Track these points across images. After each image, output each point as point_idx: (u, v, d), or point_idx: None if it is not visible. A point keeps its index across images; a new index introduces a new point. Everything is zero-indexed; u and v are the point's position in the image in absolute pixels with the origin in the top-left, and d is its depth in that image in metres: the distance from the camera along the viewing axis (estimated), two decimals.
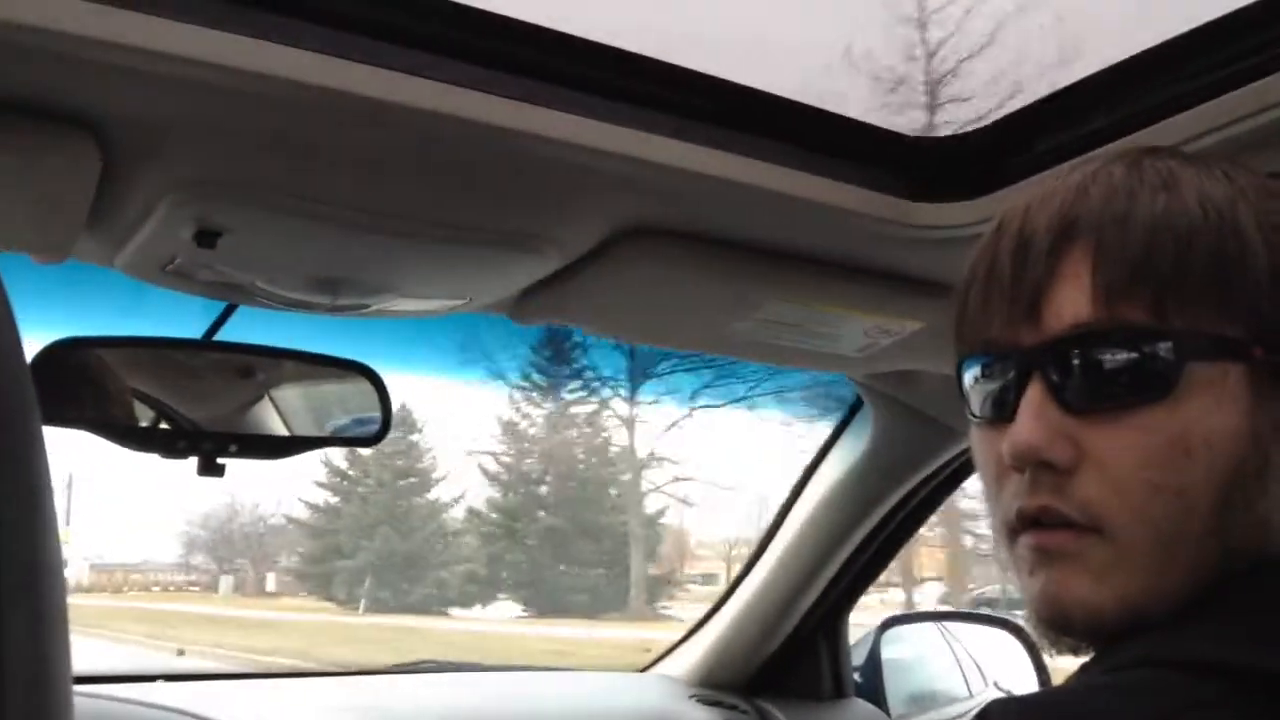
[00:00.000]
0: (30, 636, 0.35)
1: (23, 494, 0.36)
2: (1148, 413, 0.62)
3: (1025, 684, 2.26)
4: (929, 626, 2.46)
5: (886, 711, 2.22)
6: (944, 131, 1.16)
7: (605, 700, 2.11)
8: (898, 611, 2.59)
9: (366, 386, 1.35)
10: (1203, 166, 0.67)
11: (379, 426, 1.35)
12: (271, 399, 1.34)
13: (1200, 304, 0.62)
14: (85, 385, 1.24)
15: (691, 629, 2.32)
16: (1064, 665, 0.71)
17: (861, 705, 2.21)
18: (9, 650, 0.34)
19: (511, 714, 1.96)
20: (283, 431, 1.34)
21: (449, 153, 0.93)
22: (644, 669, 2.38)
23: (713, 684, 2.18)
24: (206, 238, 0.98)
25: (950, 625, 2.46)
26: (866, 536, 1.97)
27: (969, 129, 1.14)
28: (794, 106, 1.07)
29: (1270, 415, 0.62)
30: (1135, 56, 0.99)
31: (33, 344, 1.21)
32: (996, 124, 1.12)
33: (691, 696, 2.14)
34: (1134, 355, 0.62)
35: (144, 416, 1.28)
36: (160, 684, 1.94)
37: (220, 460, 1.27)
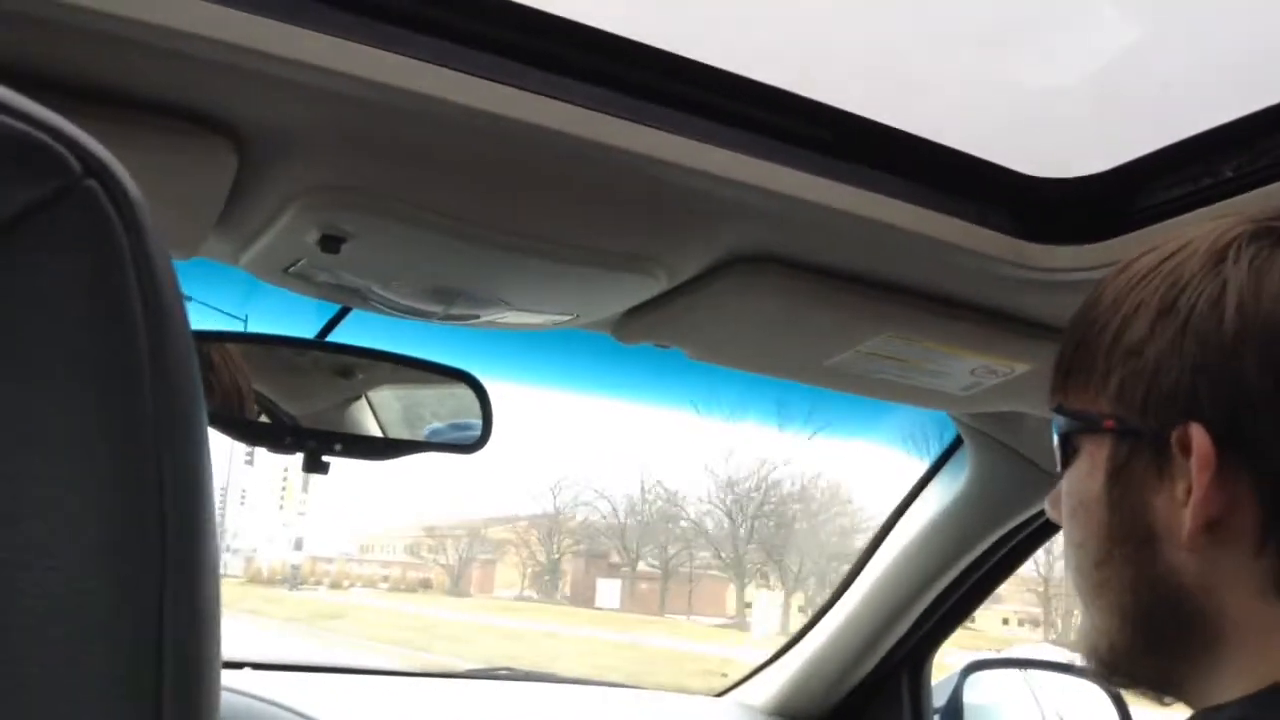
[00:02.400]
0: (189, 635, 0.36)
1: (187, 492, 0.37)
2: (1065, 477, 0.73)
3: None
4: (1013, 674, 2.40)
5: None
6: (1066, 173, 1.14)
7: None
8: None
9: (470, 396, 1.37)
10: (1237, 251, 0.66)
11: (479, 434, 1.37)
12: (377, 402, 1.37)
13: (1083, 387, 0.71)
14: (204, 378, 1.28)
15: (771, 657, 2.30)
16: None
17: None
18: (166, 648, 0.36)
19: None
20: (386, 434, 1.37)
21: (569, 171, 0.95)
22: (720, 694, 2.36)
23: (789, 714, 2.16)
24: (331, 243, 1.01)
25: (1035, 674, 2.40)
26: (958, 576, 1.94)
27: (1091, 172, 1.12)
28: (913, 140, 1.07)
29: (1127, 480, 0.68)
30: (1269, 108, 0.97)
31: None
32: (1119, 169, 1.10)
33: None
34: (1057, 431, 0.73)
35: (254, 411, 1.31)
36: (247, 671, 1.99)
37: (324, 459, 1.30)
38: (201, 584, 0.37)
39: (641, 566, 23.15)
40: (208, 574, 0.37)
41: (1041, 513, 1.81)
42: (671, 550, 22.50)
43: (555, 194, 0.99)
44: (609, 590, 23.07)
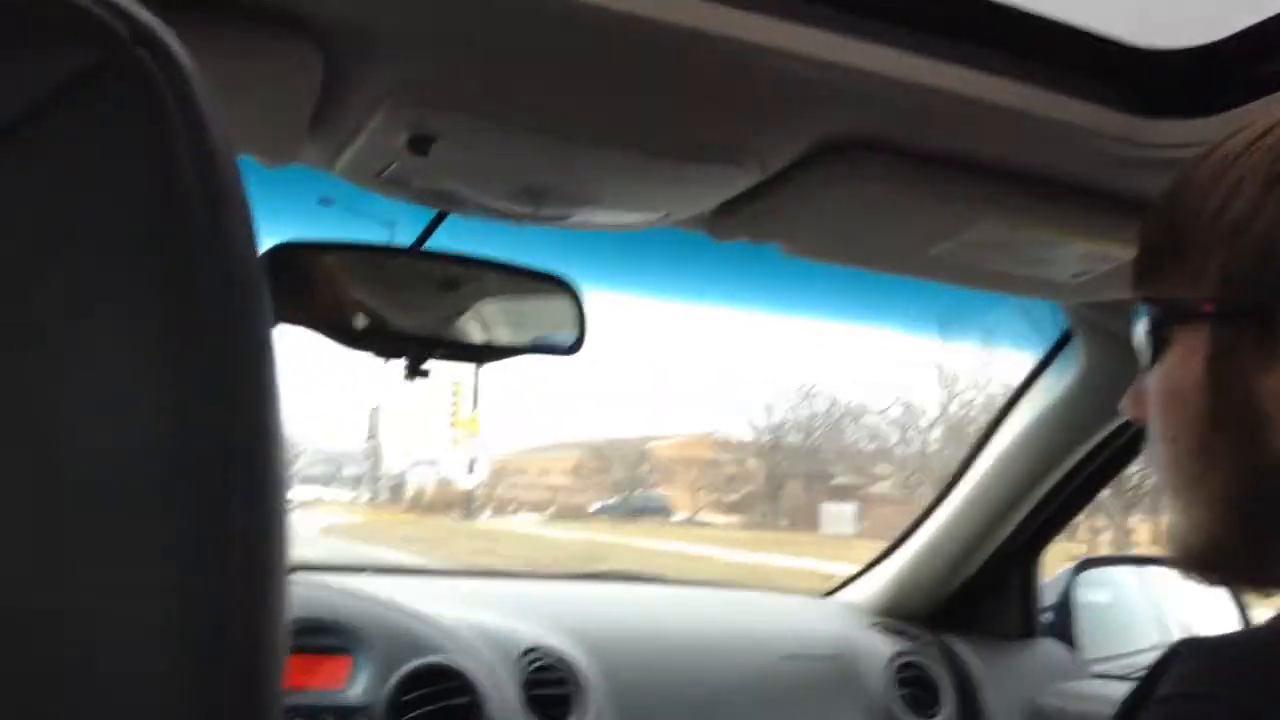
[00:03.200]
0: (259, 539, 0.36)
1: (252, 403, 0.37)
2: (1154, 371, 0.70)
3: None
4: (1127, 570, 2.36)
5: (1078, 654, 2.15)
6: (1178, 43, 1.08)
7: (784, 623, 2.12)
8: None
9: (566, 298, 1.37)
10: None
11: (576, 338, 1.37)
12: (473, 307, 1.38)
13: (1174, 274, 0.68)
14: (304, 287, 1.30)
15: (877, 557, 2.29)
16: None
17: (1050, 645, 2.15)
18: (234, 561, 0.36)
19: (691, 630, 1.99)
20: (483, 339, 1.38)
21: (654, 61, 0.92)
22: (827, 594, 2.37)
23: (895, 614, 2.16)
24: (420, 144, 1.01)
25: (1150, 570, 2.36)
26: (1068, 473, 1.90)
27: (1205, 41, 1.06)
28: (1013, 13, 1.01)
29: (1229, 366, 0.65)
30: None
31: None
32: (1234, 37, 1.03)
33: (873, 625, 2.13)
34: (1143, 324, 0.71)
35: (358, 319, 1.33)
36: (369, 575, 2.06)
37: (424, 365, 1.32)
38: (267, 492, 0.36)
39: (880, 488, 22.81)
40: (273, 483, 0.37)
41: None
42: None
43: (641, 84, 0.97)
44: (837, 515, 22.68)
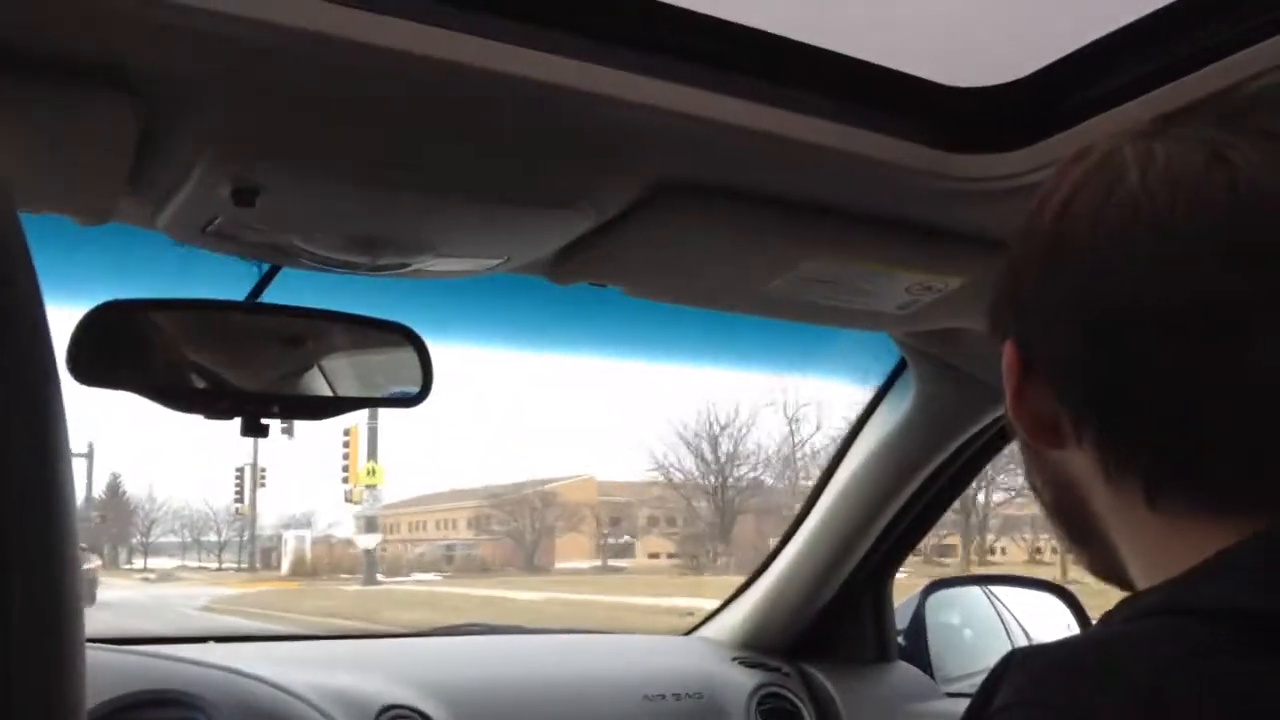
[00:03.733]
0: (46, 605, 0.35)
1: (38, 464, 0.35)
2: None
3: None
4: (974, 590, 2.44)
5: (931, 675, 2.21)
6: (984, 81, 1.14)
7: (648, 663, 2.12)
8: None
9: (408, 349, 1.35)
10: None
11: (419, 389, 1.35)
12: (313, 361, 1.35)
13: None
14: (131, 347, 1.25)
15: (734, 593, 2.32)
16: None
17: (905, 668, 2.21)
18: (15, 619, 0.34)
19: (553, 677, 1.98)
20: (325, 392, 1.35)
21: (485, 109, 0.93)
22: (687, 633, 2.39)
23: (755, 647, 2.18)
24: (244, 196, 0.99)
25: (996, 589, 2.44)
26: (910, 498, 1.96)
27: (1011, 78, 1.12)
28: (831, 57, 1.06)
29: None
30: (1176, 2, 0.97)
31: (84, 307, 1.22)
32: (1038, 73, 1.10)
33: (734, 659, 2.15)
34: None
35: (189, 378, 1.29)
36: (212, 645, 1.98)
37: (264, 421, 1.29)
38: (54, 558, 0.35)
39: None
40: (61, 544, 0.35)
41: (989, 427, 1.84)
42: None
43: (473, 134, 0.98)
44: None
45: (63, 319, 1.22)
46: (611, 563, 30.19)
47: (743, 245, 1.24)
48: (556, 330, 1.87)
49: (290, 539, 33.12)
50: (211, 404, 1.28)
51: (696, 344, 1.98)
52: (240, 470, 31.11)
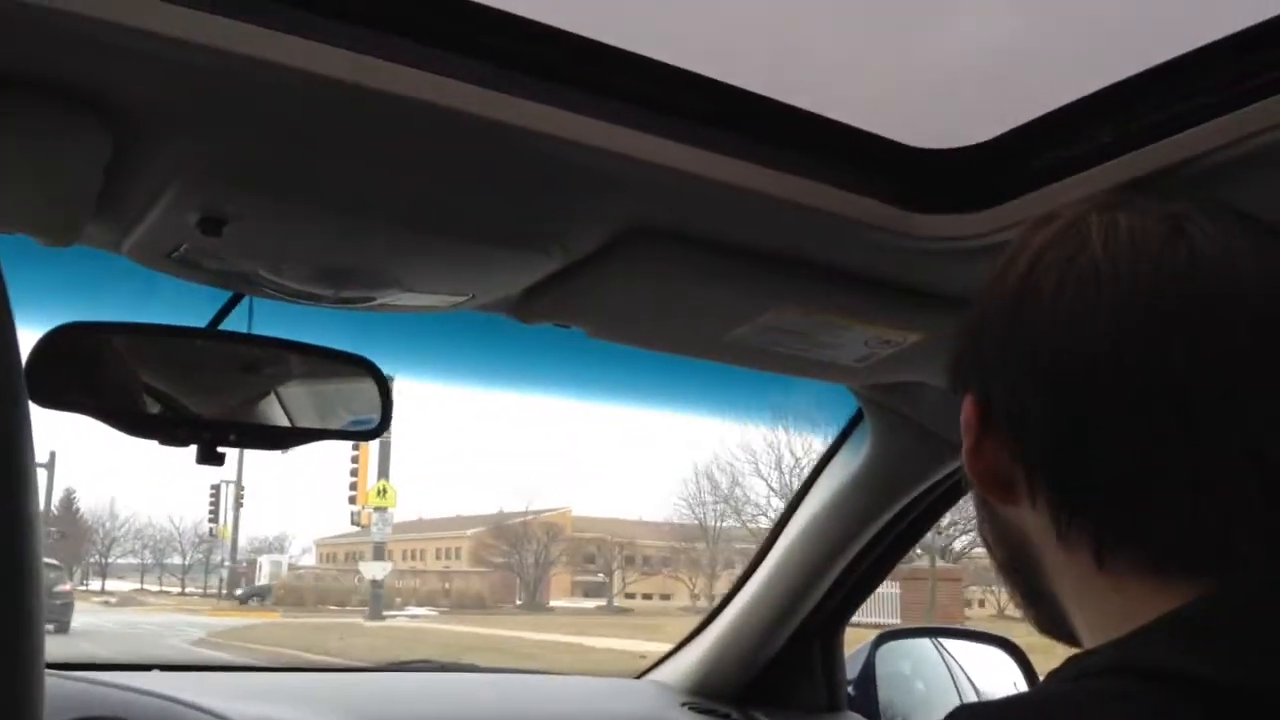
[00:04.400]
0: (10, 632, 0.35)
1: (5, 485, 0.35)
2: None
3: None
4: (924, 642, 2.45)
5: None
6: (948, 143, 1.16)
7: (597, 705, 2.11)
8: None
9: (368, 381, 1.35)
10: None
11: (378, 421, 1.35)
12: (272, 390, 1.35)
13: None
14: (89, 370, 1.25)
15: (687, 637, 2.31)
16: None
17: (854, 719, 2.21)
18: None
19: (502, 716, 1.96)
20: (283, 422, 1.35)
21: (456, 148, 0.94)
22: (639, 675, 2.38)
23: (705, 693, 2.17)
24: (211, 225, 0.99)
25: (945, 642, 2.46)
26: (864, 549, 1.97)
27: (975, 141, 1.14)
28: (798, 114, 1.08)
29: None
30: (1143, 72, 1.00)
31: (43, 329, 1.22)
32: (1002, 136, 1.12)
33: (684, 704, 2.14)
34: None
35: (146, 403, 1.28)
36: (156, 673, 1.94)
37: (220, 449, 1.28)
38: (20, 580, 0.35)
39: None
40: (27, 568, 0.36)
41: (943, 481, 1.86)
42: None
43: (442, 171, 0.99)
44: None
45: (23, 340, 1.21)
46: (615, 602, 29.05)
47: (707, 293, 1.25)
48: (522, 368, 1.87)
49: (265, 564, 31.40)
50: (168, 430, 1.27)
51: (656, 387, 1.99)
52: (216, 488, 29.33)
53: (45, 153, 0.89)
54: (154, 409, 1.28)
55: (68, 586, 20.31)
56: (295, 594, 28.65)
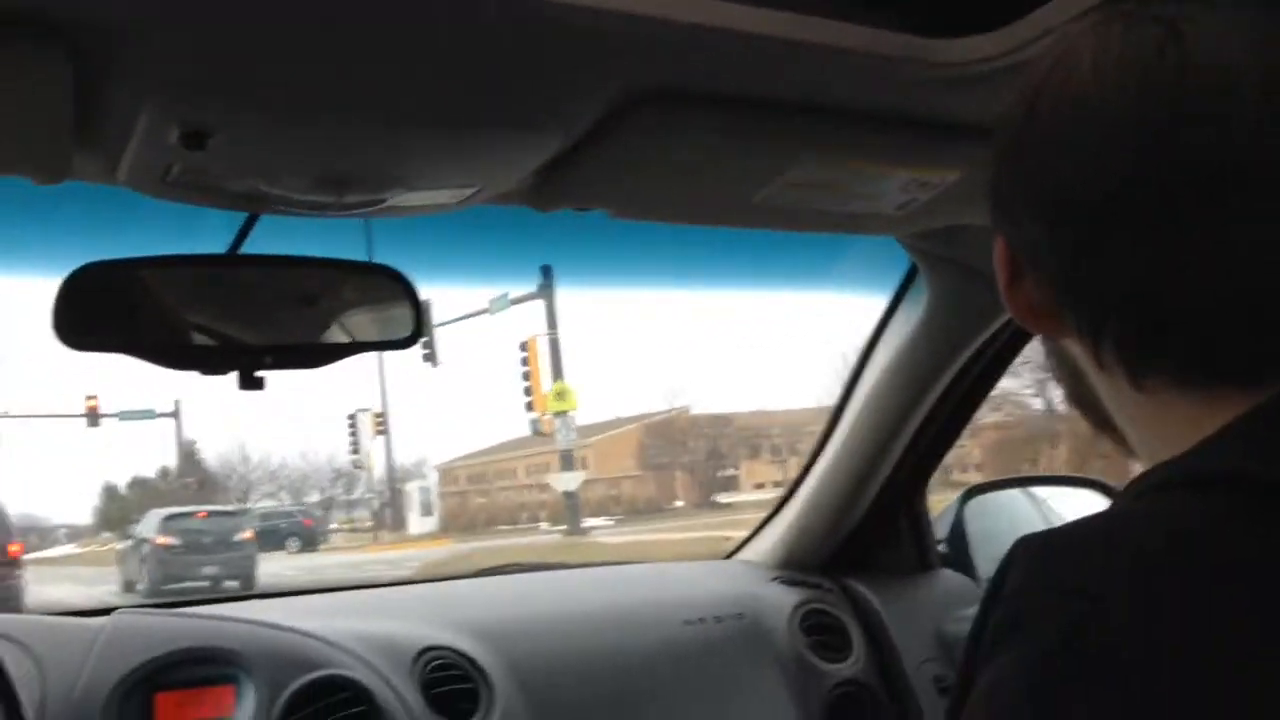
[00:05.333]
0: None
1: None
2: None
3: None
4: (1013, 493, 2.41)
5: (975, 580, 2.19)
6: None
7: (686, 589, 2.11)
8: None
9: (397, 290, 1.33)
10: None
11: (410, 330, 1.34)
12: (302, 309, 1.34)
13: None
14: (118, 308, 1.25)
15: (767, 516, 2.31)
16: None
17: (949, 575, 2.19)
18: None
19: (591, 609, 1.98)
20: (317, 340, 1.34)
21: (435, 27, 0.90)
22: (726, 557, 2.38)
23: (794, 565, 2.17)
24: (193, 139, 0.97)
25: (1035, 490, 2.41)
26: (936, 404, 1.92)
27: None
28: None
29: None
30: None
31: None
32: None
33: (774, 579, 2.14)
34: None
35: (178, 336, 1.28)
36: (249, 603, 2.00)
37: (258, 374, 1.28)
38: None
39: None
40: None
41: (1009, 324, 1.79)
42: None
43: (426, 54, 0.94)
44: None
45: (48, 286, 1.22)
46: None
47: (723, 154, 1.20)
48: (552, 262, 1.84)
49: (414, 492, 29.66)
50: (205, 360, 1.27)
51: (695, 265, 1.95)
52: (353, 418, 27.15)
53: (10, 85, 0.88)
54: (188, 341, 1.28)
55: (249, 534, 18.76)
56: (461, 518, 27.65)
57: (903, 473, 2.04)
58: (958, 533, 2.23)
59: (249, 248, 1.28)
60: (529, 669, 1.77)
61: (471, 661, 1.71)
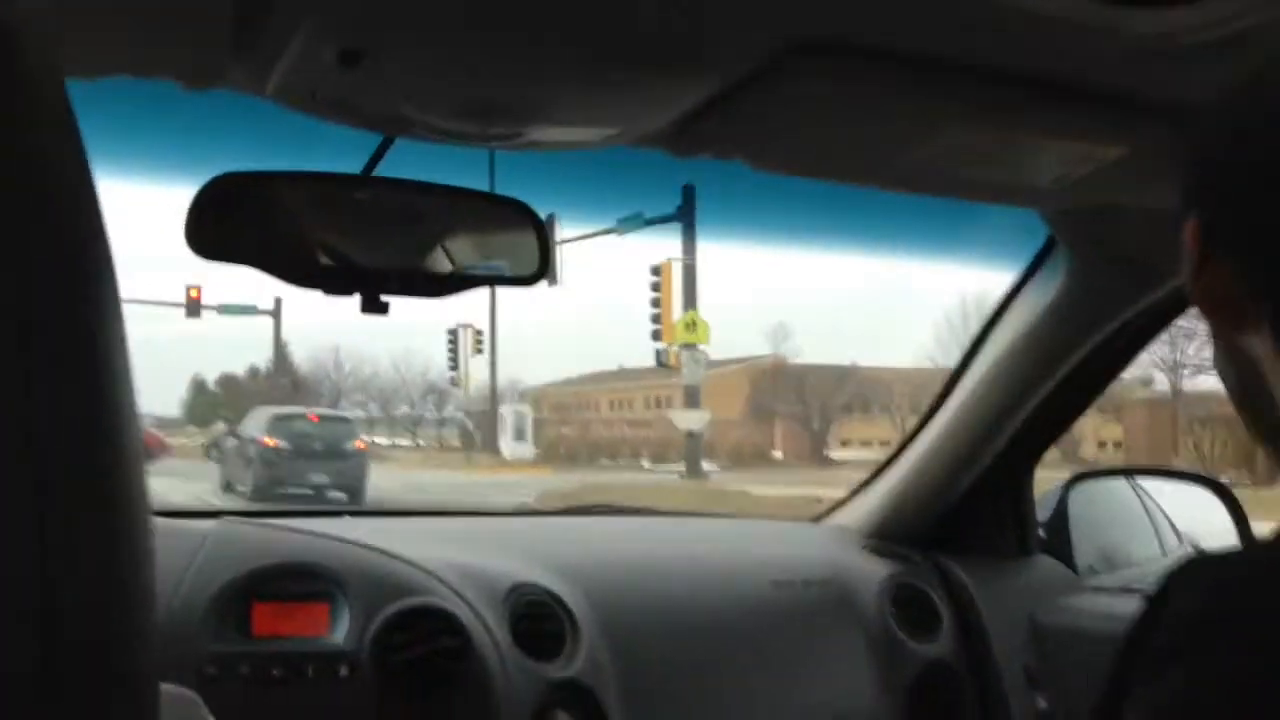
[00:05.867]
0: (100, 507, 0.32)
1: (90, 365, 0.35)
2: None
3: (1226, 545, 2.13)
4: (1120, 483, 2.33)
5: (1074, 569, 2.13)
6: None
7: (777, 549, 2.09)
8: None
9: (525, 225, 1.31)
10: None
11: (537, 266, 1.31)
12: (432, 236, 1.32)
13: None
14: (249, 220, 1.24)
15: (865, 480, 2.26)
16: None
17: (1046, 562, 2.13)
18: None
19: (682, 559, 1.97)
20: (443, 268, 1.32)
21: None
22: (817, 519, 2.35)
23: (887, 536, 2.13)
24: (349, 58, 0.95)
25: (1144, 481, 2.32)
26: (1057, 386, 1.85)
27: None
28: None
29: None
30: None
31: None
32: None
33: (865, 548, 2.10)
34: None
35: (306, 252, 1.28)
36: (346, 519, 2.02)
37: (383, 298, 1.27)
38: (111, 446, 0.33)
39: None
40: (119, 438, 0.34)
41: (1144, 313, 1.71)
42: None
43: None
44: None
45: (183, 193, 1.21)
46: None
47: (881, 111, 1.14)
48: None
49: (509, 415, 27.77)
50: (330, 280, 1.26)
51: (806, 224, 1.89)
52: (454, 333, 26.09)
53: None
54: (315, 258, 1.27)
55: (360, 444, 17.45)
56: (559, 447, 25.99)
57: (1013, 452, 1.98)
58: (1059, 519, 2.17)
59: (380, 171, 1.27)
60: (616, 615, 1.76)
61: (560, 602, 1.71)
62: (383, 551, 1.65)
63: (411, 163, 1.28)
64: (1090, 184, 1.31)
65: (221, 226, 1.20)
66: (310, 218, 1.28)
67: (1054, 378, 1.83)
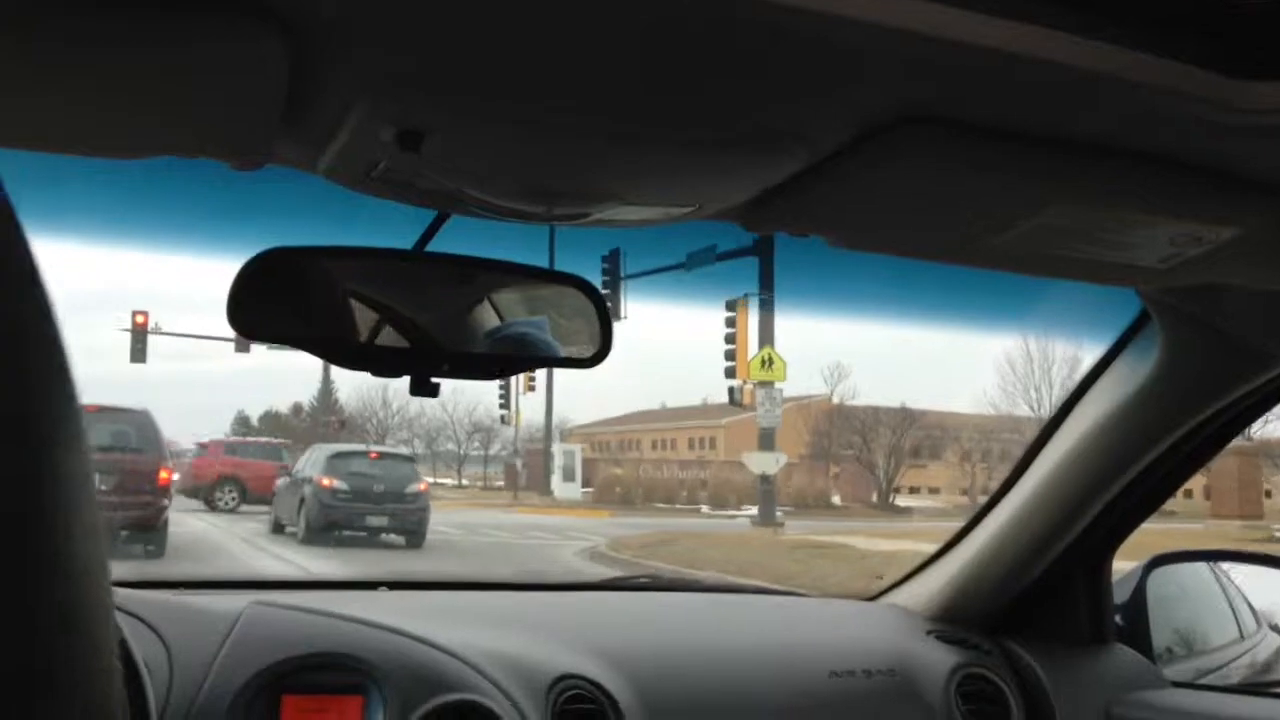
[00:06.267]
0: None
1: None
2: None
3: None
4: (1200, 566, 2.20)
5: (1151, 658, 1.99)
6: None
7: (835, 632, 1.98)
8: None
9: (586, 304, 1.23)
10: None
11: (598, 347, 1.23)
12: (485, 315, 1.24)
13: None
14: (295, 297, 1.17)
15: (929, 558, 2.15)
16: None
17: (1123, 652, 1.99)
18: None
19: (734, 644, 1.86)
20: (496, 350, 1.24)
21: (677, 37, 0.78)
22: (873, 597, 2.23)
23: (952, 619, 2.01)
24: (409, 139, 0.87)
25: (1226, 566, 2.20)
26: (1144, 470, 1.74)
27: None
28: None
29: None
30: None
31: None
32: None
33: (929, 632, 1.98)
34: None
35: (355, 332, 1.20)
36: (383, 590, 1.93)
37: (434, 380, 1.19)
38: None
39: None
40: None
41: (1244, 396, 1.60)
42: None
43: (664, 63, 0.83)
44: None
45: (225, 268, 1.14)
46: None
47: (976, 189, 1.05)
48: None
49: (559, 454, 27.10)
50: (379, 362, 1.18)
51: (881, 294, 1.79)
52: None
53: (225, 68, 0.79)
54: (363, 339, 1.20)
55: (423, 486, 16.02)
56: (617, 489, 24.75)
57: (1094, 536, 1.86)
58: (1137, 604, 2.04)
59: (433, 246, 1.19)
60: (663, 705, 1.66)
61: (607, 695, 1.61)
62: (419, 639, 1.56)
63: (465, 232, 1.20)
64: (1199, 263, 1.21)
65: (266, 304, 1.12)
66: (359, 296, 1.20)
67: (1145, 459, 1.72)
